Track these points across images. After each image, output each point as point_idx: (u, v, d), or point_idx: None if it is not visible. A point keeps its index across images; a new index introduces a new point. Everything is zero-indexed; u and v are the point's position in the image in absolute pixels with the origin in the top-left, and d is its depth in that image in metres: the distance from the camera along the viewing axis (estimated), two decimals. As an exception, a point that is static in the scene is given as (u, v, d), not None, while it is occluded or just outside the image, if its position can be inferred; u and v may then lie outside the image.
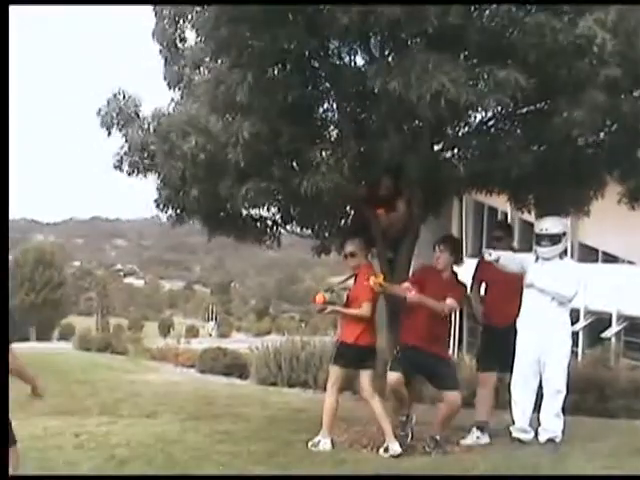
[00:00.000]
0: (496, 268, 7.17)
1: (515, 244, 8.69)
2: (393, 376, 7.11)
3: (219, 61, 7.32)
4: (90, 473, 6.60)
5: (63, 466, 6.91)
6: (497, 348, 7.54)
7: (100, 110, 8.48)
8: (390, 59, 6.79)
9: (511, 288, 7.29)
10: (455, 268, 7.48)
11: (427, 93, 5.82)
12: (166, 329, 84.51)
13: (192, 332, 74.40)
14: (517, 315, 7.15)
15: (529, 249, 7.58)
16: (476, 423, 7.59)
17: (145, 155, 8.41)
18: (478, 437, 7.50)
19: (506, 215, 17.36)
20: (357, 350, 7.35)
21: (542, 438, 6.85)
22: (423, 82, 5.82)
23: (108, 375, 17.30)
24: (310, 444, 7.29)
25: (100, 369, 19.40)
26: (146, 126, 8.38)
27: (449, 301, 7.03)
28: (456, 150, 7.91)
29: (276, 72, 7.04)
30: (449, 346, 8.39)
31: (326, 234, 9.18)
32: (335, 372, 7.50)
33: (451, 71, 5.85)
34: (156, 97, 8.82)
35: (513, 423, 7.07)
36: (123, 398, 12.26)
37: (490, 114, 7.65)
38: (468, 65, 6.19)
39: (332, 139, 7.96)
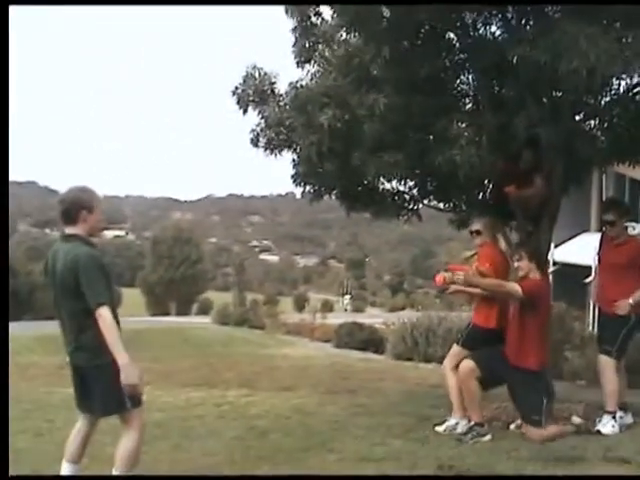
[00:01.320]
0: (611, 248, 6.92)
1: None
2: None
3: (353, 35, 7.30)
4: (232, 443, 6.77)
5: (206, 435, 7.12)
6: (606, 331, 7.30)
7: (236, 88, 8.58)
8: (529, 29, 6.60)
9: (620, 272, 7.02)
10: None
11: (582, 67, 5.63)
12: (301, 304, 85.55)
13: (327, 307, 75.01)
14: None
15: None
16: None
17: (281, 130, 8.46)
18: (621, 417, 7.22)
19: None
20: (487, 332, 7.19)
21: None
22: (575, 55, 5.62)
23: (246, 349, 17.71)
24: (444, 427, 7.14)
25: (238, 343, 19.89)
26: (282, 102, 8.42)
27: None
28: (598, 120, 7.62)
29: (410, 45, 6.96)
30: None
31: (464, 208, 9.04)
32: (458, 354, 7.32)
33: (603, 43, 5.63)
34: (289, 73, 8.84)
35: None
36: (261, 371, 12.52)
37: (635, 81, 7.32)
38: (617, 34, 5.92)
39: (468, 111, 7.83)
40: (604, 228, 7.48)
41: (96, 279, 4.51)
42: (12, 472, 5.61)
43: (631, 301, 6.89)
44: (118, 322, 4.73)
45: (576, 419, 7.23)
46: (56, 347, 17.34)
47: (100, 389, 4.55)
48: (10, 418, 8.05)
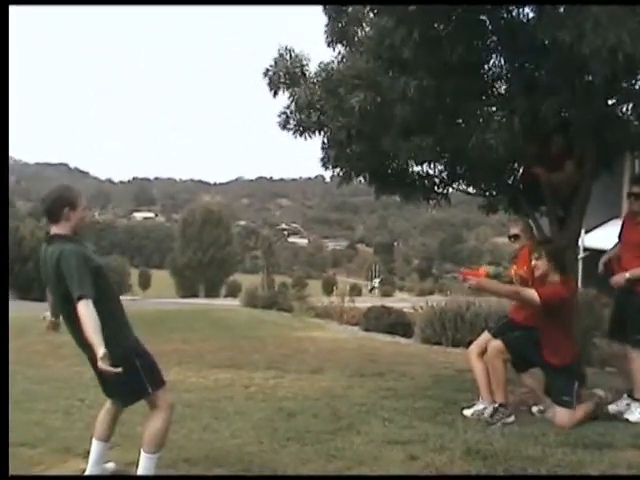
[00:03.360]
0: (633, 225, 6.88)
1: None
2: None
3: (385, 17, 7.26)
4: (260, 423, 6.82)
5: (234, 416, 7.18)
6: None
7: (267, 70, 8.58)
8: (562, 10, 6.52)
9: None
10: None
11: (603, 47, 5.56)
12: (329, 287, 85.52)
13: (355, 291, 75.03)
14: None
15: None
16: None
17: (312, 113, 8.45)
18: None
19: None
20: (522, 329, 7.14)
21: None
22: (598, 35, 5.56)
23: (274, 331, 17.73)
24: (471, 411, 7.10)
25: (267, 325, 19.91)
26: (313, 84, 8.40)
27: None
28: (631, 104, 7.53)
29: (442, 27, 6.91)
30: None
31: (494, 192, 9.00)
32: (487, 342, 7.28)
33: (628, 22, 5.55)
34: (320, 55, 8.82)
35: None
36: (289, 354, 12.55)
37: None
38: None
39: (500, 95, 7.77)
40: (629, 201, 7.34)
41: (76, 272, 4.46)
42: (45, 449, 5.72)
43: (628, 275, 6.81)
44: (122, 311, 4.85)
45: (599, 391, 7.21)
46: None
47: (117, 380, 4.58)
48: (42, 396, 8.20)
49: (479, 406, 7.11)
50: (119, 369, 4.28)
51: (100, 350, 4.20)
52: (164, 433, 4.79)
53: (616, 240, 7.38)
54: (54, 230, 4.72)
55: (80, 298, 4.37)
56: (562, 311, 6.66)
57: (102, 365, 4.21)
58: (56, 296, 4.73)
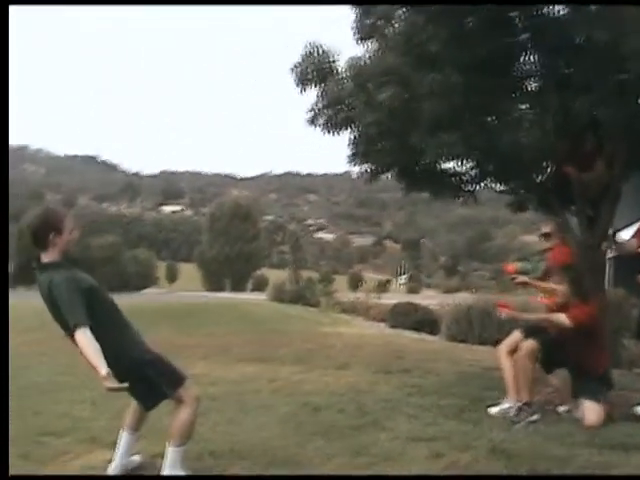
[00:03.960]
0: None
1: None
2: None
3: (413, 14, 7.22)
4: (286, 418, 6.84)
5: (260, 410, 7.21)
6: None
7: (296, 66, 8.56)
8: (592, 9, 6.46)
9: None
10: None
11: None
12: (356, 283, 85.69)
13: (382, 287, 75.00)
14: None
15: None
16: None
17: (341, 109, 8.43)
18: None
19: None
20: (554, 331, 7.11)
21: None
22: (637, 35, 5.51)
23: (301, 326, 17.77)
24: (498, 410, 7.07)
25: (293, 320, 19.94)
26: (342, 80, 8.38)
27: None
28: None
29: (471, 24, 6.87)
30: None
31: (523, 191, 8.94)
32: (518, 342, 7.24)
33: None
34: (348, 51, 8.79)
35: None
36: (316, 349, 12.56)
37: None
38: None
39: (531, 92, 7.71)
40: None
41: (67, 302, 4.43)
42: (72, 439, 5.77)
43: None
44: (124, 322, 4.82)
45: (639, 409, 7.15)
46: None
47: (133, 391, 4.58)
48: (69, 387, 8.28)
49: (505, 405, 7.07)
50: (126, 384, 4.26)
51: (102, 371, 4.16)
52: (191, 426, 4.81)
53: None
54: (43, 258, 4.65)
55: (75, 327, 4.34)
56: (594, 329, 6.76)
57: (108, 384, 4.19)
58: (57, 321, 4.69)
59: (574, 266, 7.25)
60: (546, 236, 7.56)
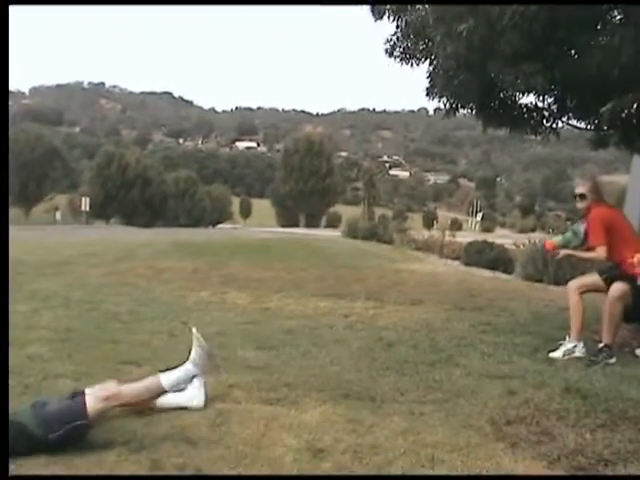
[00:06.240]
0: None
1: None
2: None
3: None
4: (359, 352, 6.90)
5: (334, 344, 7.28)
6: None
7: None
8: None
9: None
10: None
11: None
12: (430, 221, 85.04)
13: (456, 225, 74.44)
14: None
15: None
16: None
17: (419, 40, 8.27)
18: None
19: None
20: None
21: None
22: None
23: (375, 262, 17.77)
24: (561, 352, 6.93)
25: (367, 256, 19.95)
26: (420, 10, 8.18)
27: None
28: None
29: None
30: None
31: (605, 127, 8.68)
32: (593, 284, 7.12)
33: None
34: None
35: None
36: (389, 285, 12.57)
37: None
38: None
39: (615, 24, 7.43)
40: None
41: None
42: (150, 368, 5.91)
43: None
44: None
45: None
46: (190, 253, 17.93)
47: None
48: (147, 318, 8.48)
49: (568, 345, 6.94)
50: None
51: None
52: None
53: None
54: None
55: None
56: None
57: None
58: None
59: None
60: (581, 197, 7.19)
